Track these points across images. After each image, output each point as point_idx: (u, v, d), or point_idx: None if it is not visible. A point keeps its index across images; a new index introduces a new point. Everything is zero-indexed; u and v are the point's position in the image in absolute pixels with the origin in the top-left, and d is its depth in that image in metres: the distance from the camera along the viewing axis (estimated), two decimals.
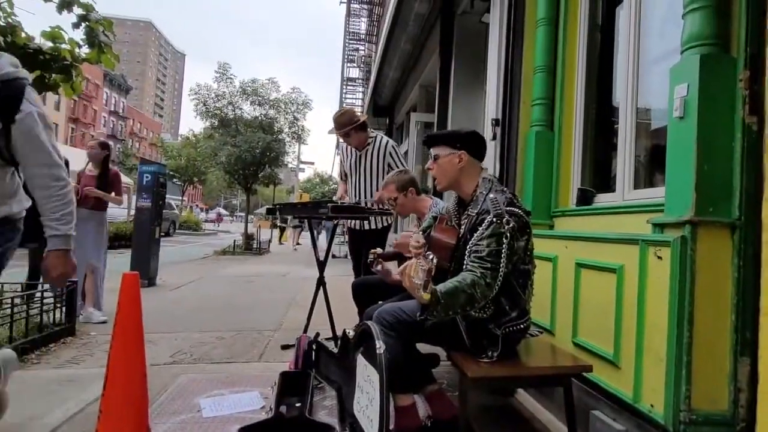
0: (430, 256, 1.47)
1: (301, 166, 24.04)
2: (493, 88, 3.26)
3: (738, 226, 1.56)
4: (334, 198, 3.73)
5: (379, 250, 2.50)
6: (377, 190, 3.37)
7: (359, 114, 3.62)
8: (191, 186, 38.94)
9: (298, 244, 17.44)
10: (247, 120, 14.11)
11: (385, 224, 3.56)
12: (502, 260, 1.63)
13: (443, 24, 5.46)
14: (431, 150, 1.98)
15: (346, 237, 3.89)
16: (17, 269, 4.68)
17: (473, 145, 1.90)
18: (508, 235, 1.64)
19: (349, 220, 3.56)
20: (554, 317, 2.40)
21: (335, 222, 3.58)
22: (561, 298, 2.35)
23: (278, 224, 20.02)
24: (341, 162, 3.71)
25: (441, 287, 1.57)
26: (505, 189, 1.84)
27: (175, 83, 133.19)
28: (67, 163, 4.45)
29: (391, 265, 2.49)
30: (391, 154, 3.52)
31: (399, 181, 2.76)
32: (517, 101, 2.98)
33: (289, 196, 34.05)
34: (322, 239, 12.69)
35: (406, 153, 8.45)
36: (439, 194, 3.84)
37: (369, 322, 1.80)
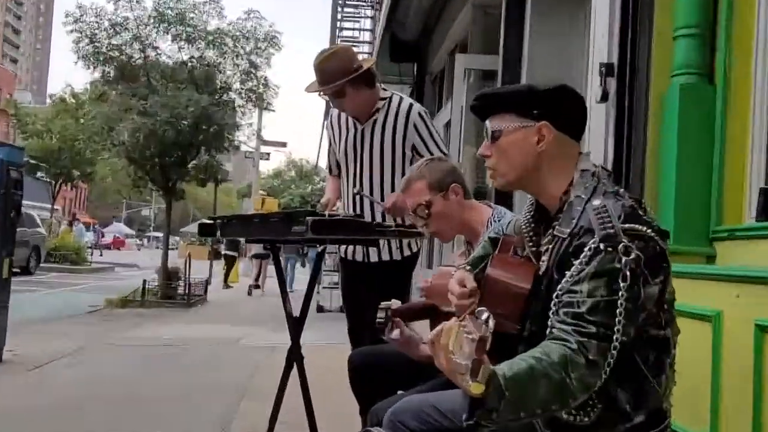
0: (485, 315, 1.34)
1: (264, 149, 23.67)
2: (603, 10, 3.00)
3: None
4: (319, 205, 3.56)
5: (395, 303, 2.34)
6: (392, 190, 3.15)
7: (361, 59, 3.47)
8: (69, 185, 34.32)
9: (256, 286, 14.88)
10: (167, 68, 12.57)
11: (408, 253, 3.32)
12: (617, 320, 1.51)
13: None
14: (487, 122, 1.82)
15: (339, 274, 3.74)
16: None
17: (563, 110, 1.76)
18: (628, 274, 1.49)
19: (343, 245, 3.35)
20: (717, 420, 2.26)
21: (321, 248, 3.35)
22: (728, 385, 2.23)
23: (223, 252, 17.84)
24: (330, 143, 3.47)
25: (506, 369, 1.44)
26: (622, 190, 1.66)
27: (38, 10, 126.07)
28: None
29: (419, 328, 2.34)
30: (416, 125, 3.22)
31: (433, 173, 2.50)
32: (647, 33, 2.79)
33: (243, 201, 32.69)
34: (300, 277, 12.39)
35: (447, 125, 7.75)
36: (503, 199, 3.65)
37: (378, 430, 1.85)
